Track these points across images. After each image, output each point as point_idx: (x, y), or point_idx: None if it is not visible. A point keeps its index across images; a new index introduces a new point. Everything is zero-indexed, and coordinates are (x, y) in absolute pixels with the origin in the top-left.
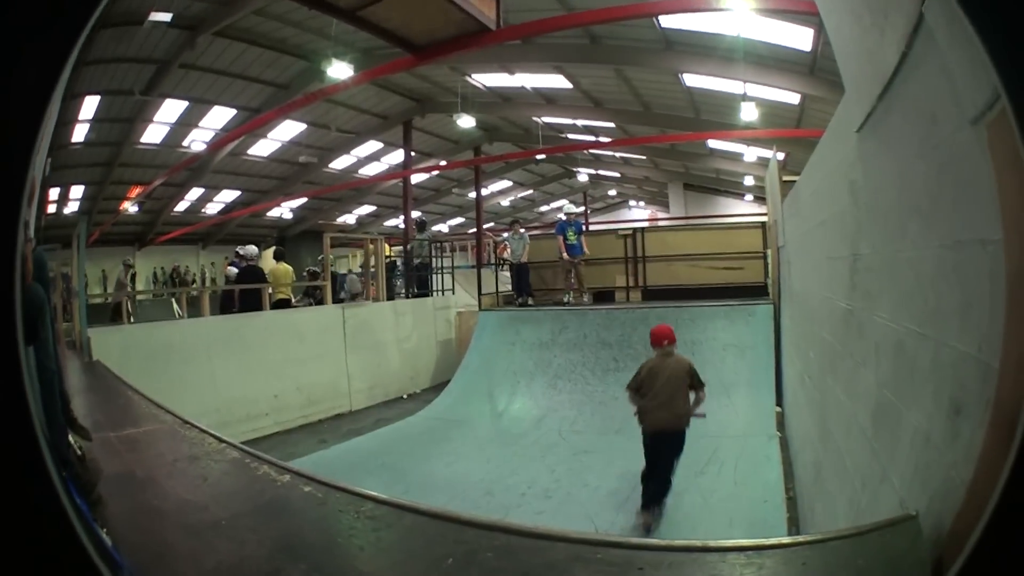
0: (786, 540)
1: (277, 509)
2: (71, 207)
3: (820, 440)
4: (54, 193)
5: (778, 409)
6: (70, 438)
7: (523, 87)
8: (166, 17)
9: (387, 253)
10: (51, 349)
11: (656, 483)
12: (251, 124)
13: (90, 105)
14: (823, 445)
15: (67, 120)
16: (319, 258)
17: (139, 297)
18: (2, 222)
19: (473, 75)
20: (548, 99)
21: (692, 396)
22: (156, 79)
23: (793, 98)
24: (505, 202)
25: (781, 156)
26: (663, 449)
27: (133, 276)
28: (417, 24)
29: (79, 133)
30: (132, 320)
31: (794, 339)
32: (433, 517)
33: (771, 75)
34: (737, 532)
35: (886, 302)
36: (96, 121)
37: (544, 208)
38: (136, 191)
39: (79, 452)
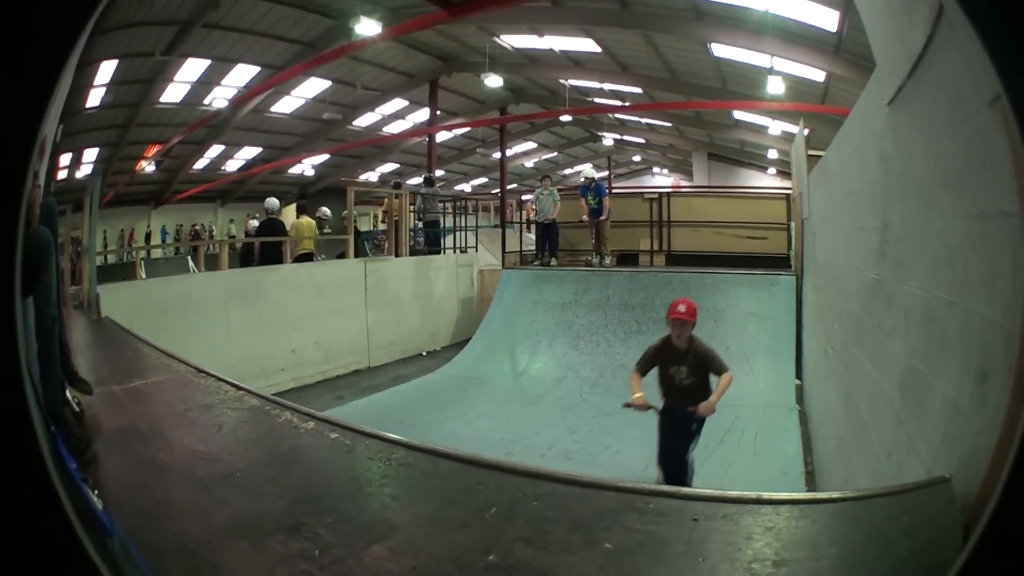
0: (836, 495)
1: (300, 458)
2: (84, 170)
3: (843, 412)
4: (66, 159)
5: (797, 382)
6: (68, 394)
7: (551, 49)
8: None
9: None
10: (53, 295)
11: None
12: (275, 79)
13: (107, 70)
14: (846, 417)
15: (81, 86)
16: (343, 213)
17: (153, 254)
18: (10, 167)
19: (501, 36)
20: (576, 62)
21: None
22: (178, 39)
23: (818, 75)
24: (529, 163)
25: (806, 131)
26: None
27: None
28: None
29: (94, 98)
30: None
31: (817, 311)
32: (472, 464)
33: (798, 51)
34: None
35: (917, 271)
36: (114, 84)
37: (568, 171)
38: (153, 150)
39: (77, 408)
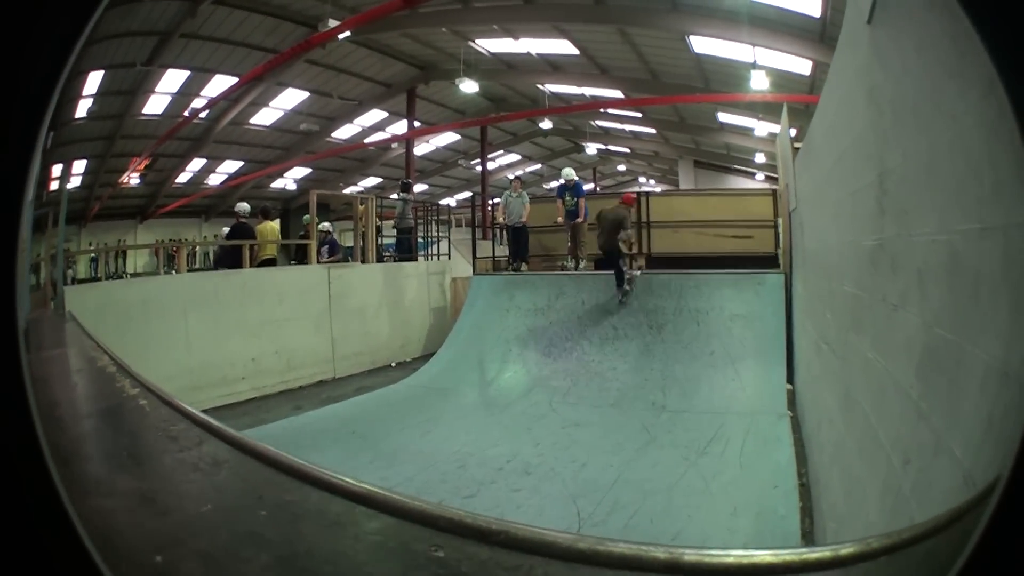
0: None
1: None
2: (75, 182)
3: (842, 413)
4: (57, 170)
5: (789, 387)
6: None
7: (528, 53)
8: None
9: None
10: None
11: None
12: (244, 79)
13: (94, 80)
14: (845, 419)
15: (71, 97)
16: (304, 217)
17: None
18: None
19: (476, 40)
20: (554, 66)
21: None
22: (158, 49)
23: (804, 66)
24: (512, 175)
25: (793, 132)
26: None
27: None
28: None
29: (82, 109)
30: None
31: (807, 306)
32: (428, 525)
33: (781, 40)
34: (742, 522)
35: (928, 211)
36: (100, 95)
37: (553, 184)
38: (137, 163)
39: None
